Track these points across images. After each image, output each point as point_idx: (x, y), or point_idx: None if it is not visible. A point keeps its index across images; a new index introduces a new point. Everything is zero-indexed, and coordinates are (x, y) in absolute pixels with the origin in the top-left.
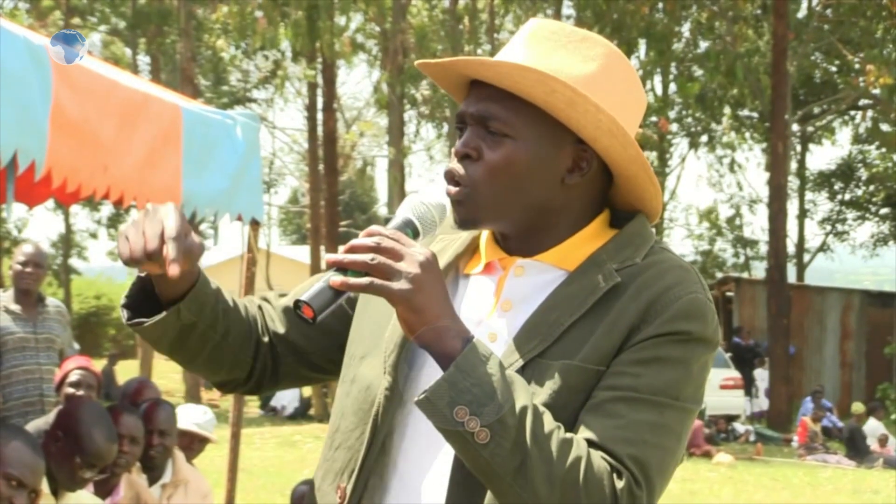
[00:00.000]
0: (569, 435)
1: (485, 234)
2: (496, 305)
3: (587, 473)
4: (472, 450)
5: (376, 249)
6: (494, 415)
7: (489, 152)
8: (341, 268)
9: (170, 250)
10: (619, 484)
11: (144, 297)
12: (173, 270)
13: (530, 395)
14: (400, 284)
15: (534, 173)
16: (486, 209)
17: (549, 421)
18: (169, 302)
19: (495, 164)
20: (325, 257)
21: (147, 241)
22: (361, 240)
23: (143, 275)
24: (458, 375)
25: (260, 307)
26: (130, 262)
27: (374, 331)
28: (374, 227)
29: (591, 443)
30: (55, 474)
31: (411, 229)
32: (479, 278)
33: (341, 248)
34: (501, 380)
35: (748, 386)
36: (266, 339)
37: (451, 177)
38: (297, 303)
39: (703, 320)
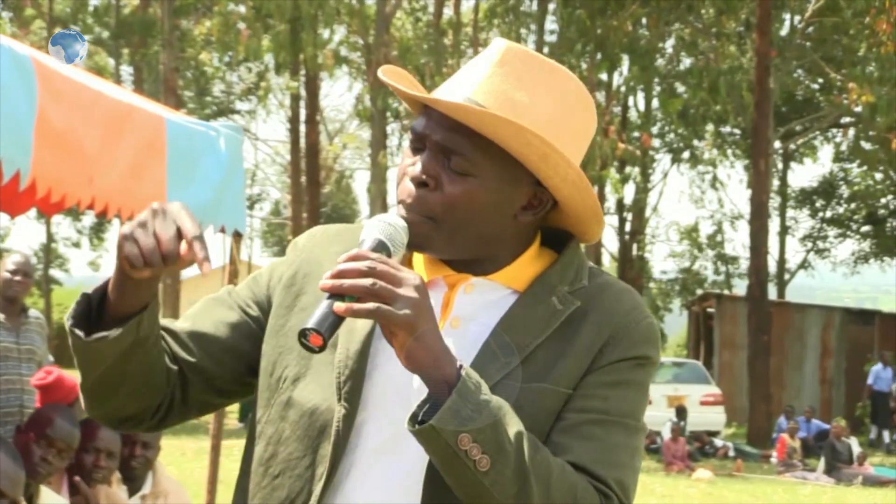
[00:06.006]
0: (559, 459)
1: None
2: (444, 322)
3: (581, 498)
4: (473, 478)
5: (373, 274)
6: (495, 442)
7: (449, 185)
8: (337, 294)
9: (198, 249)
10: None
11: (85, 316)
12: (206, 269)
13: (518, 420)
14: (404, 310)
15: (490, 210)
16: (439, 240)
17: (539, 445)
18: (120, 318)
19: (454, 198)
20: (321, 283)
21: (162, 242)
22: (352, 264)
23: (89, 292)
24: (460, 402)
25: (163, 336)
26: (142, 265)
27: (301, 352)
28: (359, 251)
29: (574, 466)
30: (26, 463)
31: (386, 252)
32: None
33: (326, 272)
34: (496, 405)
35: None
36: (175, 367)
37: (406, 201)
38: (304, 331)
39: (657, 344)
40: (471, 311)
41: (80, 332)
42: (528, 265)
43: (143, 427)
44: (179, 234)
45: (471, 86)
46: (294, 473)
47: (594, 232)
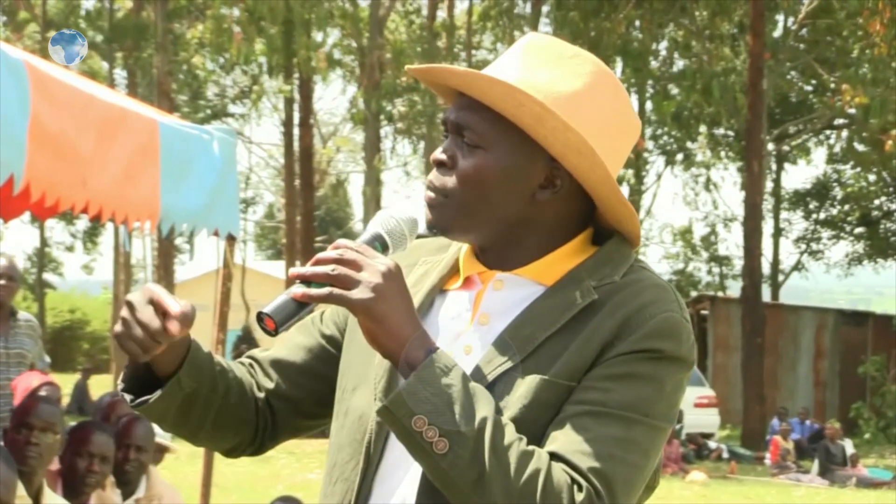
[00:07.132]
0: (530, 447)
1: (463, 250)
2: (473, 319)
3: (546, 486)
4: (432, 460)
5: (338, 261)
6: (453, 425)
7: (462, 161)
8: (305, 280)
9: (186, 314)
10: (579, 497)
11: (140, 382)
12: (173, 327)
13: (492, 407)
14: (360, 294)
15: (504, 185)
16: (456, 217)
17: (510, 433)
18: (166, 378)
19: (467, 172)
20: (290, 271)
21: (148, 327)
22: (326, 252)
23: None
24: (418, 385)
25: (250, 365)
26: (144, 355)
27: (363, 362)
28: (340, 241)
29: (554, 455)
30: (16, 457)
31: (380, 243)
32: (458, 293)
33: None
34: (462, 391)
35: None
36: (262, 395)
37: (428, 184)
38: (260, 315)
39: (677, 339)
40: (500, 308)
41: (127, 396)
42: (562, 260)
43: (247, 453)
44: (162, 311)
45: (490, 72)
46: (343, 477)
47: (625, 217)
